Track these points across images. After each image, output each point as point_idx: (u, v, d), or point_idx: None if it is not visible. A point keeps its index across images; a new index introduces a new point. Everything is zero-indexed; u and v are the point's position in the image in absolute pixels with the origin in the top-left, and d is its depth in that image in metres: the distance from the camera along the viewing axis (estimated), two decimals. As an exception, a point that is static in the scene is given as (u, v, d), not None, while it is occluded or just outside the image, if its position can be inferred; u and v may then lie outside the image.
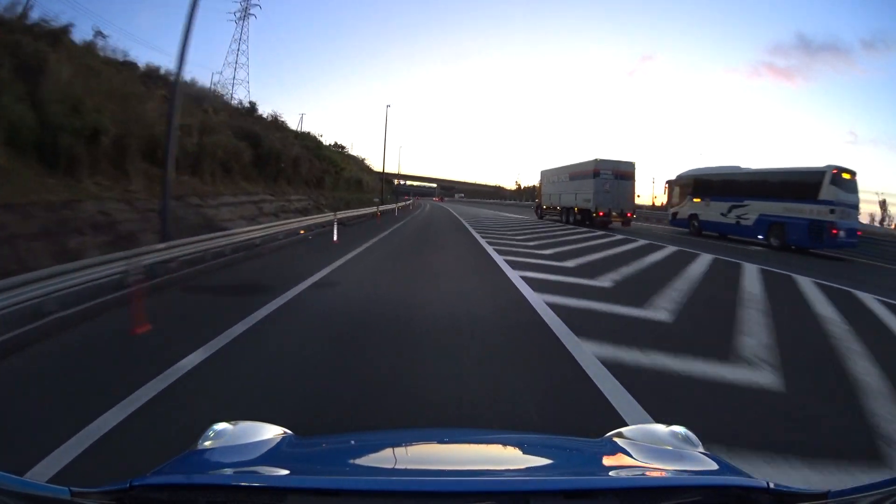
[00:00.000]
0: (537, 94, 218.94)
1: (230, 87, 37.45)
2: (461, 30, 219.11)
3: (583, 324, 4.94)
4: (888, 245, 15.21)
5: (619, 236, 16.35)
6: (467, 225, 20.70)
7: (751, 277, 8.77)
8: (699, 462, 1.08)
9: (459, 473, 1.04)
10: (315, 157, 29.36)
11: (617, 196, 20.96)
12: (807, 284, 8.38)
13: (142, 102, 12.80)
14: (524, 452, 1.33)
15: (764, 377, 3.80)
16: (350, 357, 3.89)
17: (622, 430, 1.33)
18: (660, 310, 5.82)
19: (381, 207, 27.46)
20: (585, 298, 6.21)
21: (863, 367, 4.17)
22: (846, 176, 14.33)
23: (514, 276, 7.67)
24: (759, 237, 15.68)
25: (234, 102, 32.11)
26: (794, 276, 9.23)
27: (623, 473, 1.03)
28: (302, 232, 12.85)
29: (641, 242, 14.44)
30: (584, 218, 21.67)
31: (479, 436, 1.59)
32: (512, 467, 1.20)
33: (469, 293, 6.40)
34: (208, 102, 22.00)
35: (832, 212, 13.69)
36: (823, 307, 6.61)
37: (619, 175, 21.19)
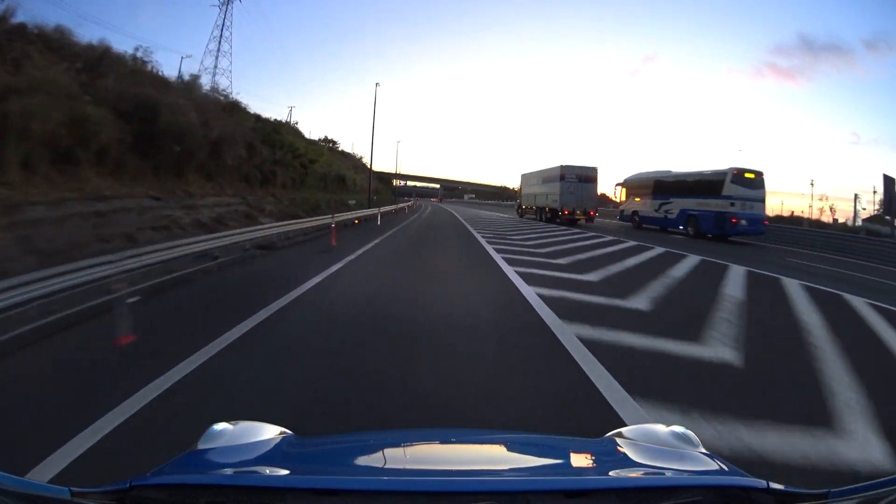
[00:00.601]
0: (541, 93, 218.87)
1: (211, 76, 33.38)
2: (465, 29, 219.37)
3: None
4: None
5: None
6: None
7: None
8: (699, 462, 1.08)
9: (459, 473, 1.04)
10: (263, 142, 20.72)
11: (580, 197, 23.92)
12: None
13: None
14: (524, 452, 1.33)
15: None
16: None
17: (622, 430, 1.33)
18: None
19: (360, 213, 20.13)
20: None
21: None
22: (748, 175, 17.34)
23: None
24: (681, 227, 19.05)
25: (208, 89, 26.71)
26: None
27: (623, 473, 1.04)
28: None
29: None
30: (554, 216, 24.64)
31: (479, 436, 1.59)
32: (512, 467, 1.20)
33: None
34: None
35: (732, 205, 16.75)
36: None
37: (583, 178, 24.14)
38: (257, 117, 26.58)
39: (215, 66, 36.58)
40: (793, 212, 36.57)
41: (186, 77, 21.99)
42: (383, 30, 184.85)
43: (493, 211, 44.16)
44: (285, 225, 12.21)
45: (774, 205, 30.11)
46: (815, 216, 29.35)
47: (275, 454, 1.11)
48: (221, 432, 1.17)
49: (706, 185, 18.05)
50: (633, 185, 23.39)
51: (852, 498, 0.77)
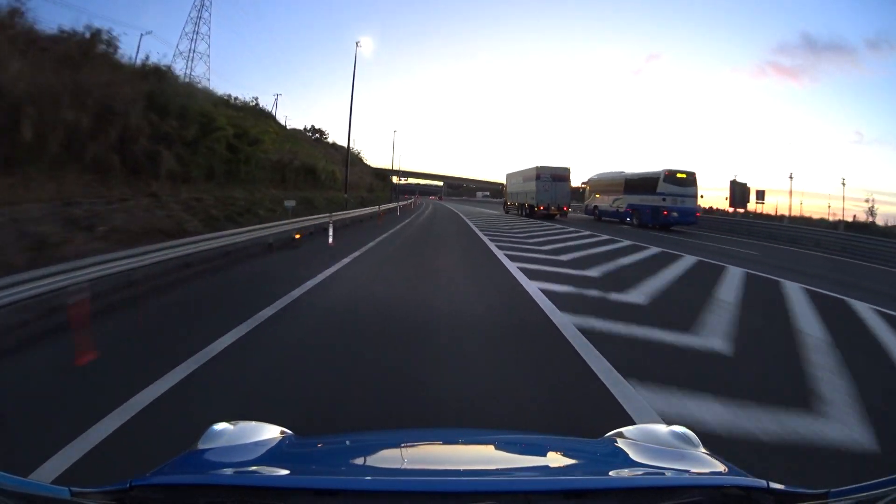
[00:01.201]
0: (546, 92, 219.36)
1: (187, 60, 30.78)
2: (467, 26, 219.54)
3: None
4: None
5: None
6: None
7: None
8: (699, 462, 1.08)
9: (460, 473, 1.04)
10: (154, 109, 12.15)
11: (554, 194, 26.78)
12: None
13: None
14: (524, 452, 1.33)
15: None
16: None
17: (622, 430, 1.33)
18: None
19: (313, 222, 12.99)
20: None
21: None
22: (679, 175, 20.98)
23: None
24: (628, 219, 22.93)
25: (189, 75, 24.71)
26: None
27: (623, 473, 1.04)
28: None
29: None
30: (532, 211, 27.59)
31: (479, 436, 1.59)
32: (512, 467, 1.20)
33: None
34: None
35: (664, 200, 20.61)
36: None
37: (556, 178, 26.88)
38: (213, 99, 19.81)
39: (192, 51, 33.32)
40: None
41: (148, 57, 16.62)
42: (389, 28, 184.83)
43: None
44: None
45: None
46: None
47: (275, 454, 1.10)
48: (221, 432, 1.17)
49: (646, 183, 21.80)
50: (595, 184, 27.76)
51: (852, 498, 0.77)
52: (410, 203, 41.01)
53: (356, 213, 19.10)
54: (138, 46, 23.47)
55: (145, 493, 0.82)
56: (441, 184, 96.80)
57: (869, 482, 0.78)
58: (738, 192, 31.80)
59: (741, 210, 31.59)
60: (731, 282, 8.12)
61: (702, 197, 21.97)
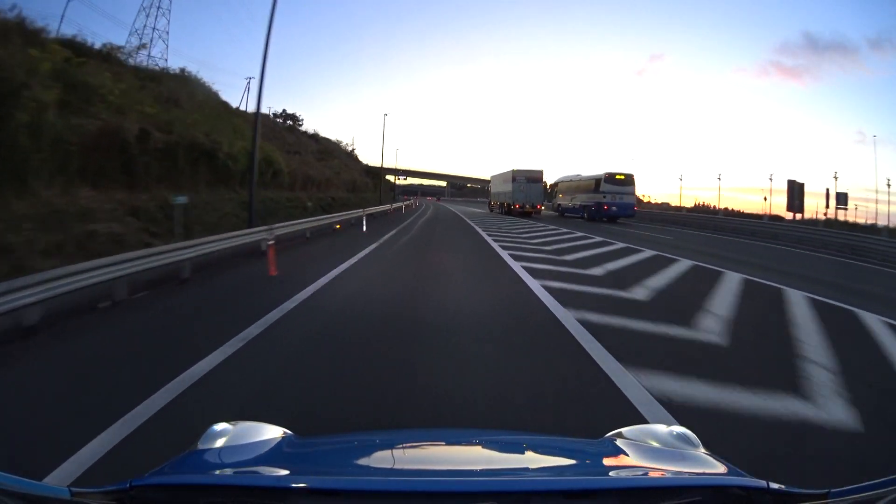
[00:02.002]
0: (550, 91, 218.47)
1: (147, 36, 26.11)
2: (472, 27, 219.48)
3: (483, 222, 22.69)
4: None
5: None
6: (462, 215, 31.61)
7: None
8: (699, 462, 1.08)
9: (460, 473, 1.04)
10: None
11: (528, 194, 30.02)
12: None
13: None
14: (524, 452, 1.33)
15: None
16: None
17: (622, 430, 1.33)
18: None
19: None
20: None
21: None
22: (619, 177, 25.90)
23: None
24: (581, 214, 27.72)
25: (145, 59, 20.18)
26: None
27: (623, 474, 1.04)
28: None
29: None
30: (509, 210, 31.18)
31: (479, 436, 1.59)
32: (512, 467, 1.20)
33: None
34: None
35: (605, 197, 25.65)
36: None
37: (530, 179, 30.15)
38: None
39: (148, 27, 27.78)
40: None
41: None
42: (393, 25, 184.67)
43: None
44: None
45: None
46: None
47: (275, 454, 1.11)
48: (221, 432, 1.17)
49: (592, 184, 26.80)
50: (559, 185, 33.14)
51: (852, 498, 0.77)
52: (403, 206, 35.63)
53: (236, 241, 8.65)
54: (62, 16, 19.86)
55: (145, 493, 0.82)
56: (445, 184, 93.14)
57: (869, 482, 0.78)
58: (797, 194, 26.91)
59: (798, 216, 26.93)
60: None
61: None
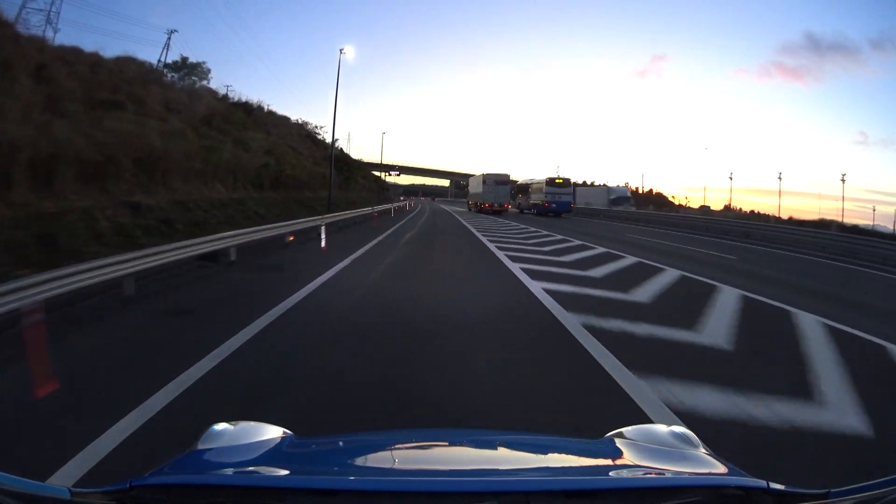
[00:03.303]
0: (552, 92, 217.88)
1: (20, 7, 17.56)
2: (475, 26, 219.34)
3: (462, 212, 35.34)
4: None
5: (493, 216, 31.08)
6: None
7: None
8: (699, 462, 1.08)
9: (459, 473, 1.04)
10: None
11: (497, 195, 35.04)
12: (527, 225, 21.05)
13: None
14: (524, 452, 1.33)
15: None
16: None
17: (622, 430, 1.33)
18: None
19: None
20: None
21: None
22: (558, 181, 32.27)
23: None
24: (533, 211, 33.44)
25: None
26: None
27: (623, 474, 1.04)
28: None
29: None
30: (481, 208, 35.98)
31: (479, 436, 1.59)
32: (512, 467, 1.20)
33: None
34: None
35: (546, 196, 31.74)
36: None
37: (499, 182, 35.33)
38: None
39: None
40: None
41: None
42: (397, 27, 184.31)
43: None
44: None
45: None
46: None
47: (275, 454, 1.10)
48: (221, 432, 1.17)
49: (538, 186, 33.15)
50: (518, 187, 38.58)
51: (853, 498, 0.77)
52: (391, 209, 29.05)
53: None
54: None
55: (145, 493, 0.82)
56: (448, 184, 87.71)
57: (869, 482, 0.78)
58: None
59: None
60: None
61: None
